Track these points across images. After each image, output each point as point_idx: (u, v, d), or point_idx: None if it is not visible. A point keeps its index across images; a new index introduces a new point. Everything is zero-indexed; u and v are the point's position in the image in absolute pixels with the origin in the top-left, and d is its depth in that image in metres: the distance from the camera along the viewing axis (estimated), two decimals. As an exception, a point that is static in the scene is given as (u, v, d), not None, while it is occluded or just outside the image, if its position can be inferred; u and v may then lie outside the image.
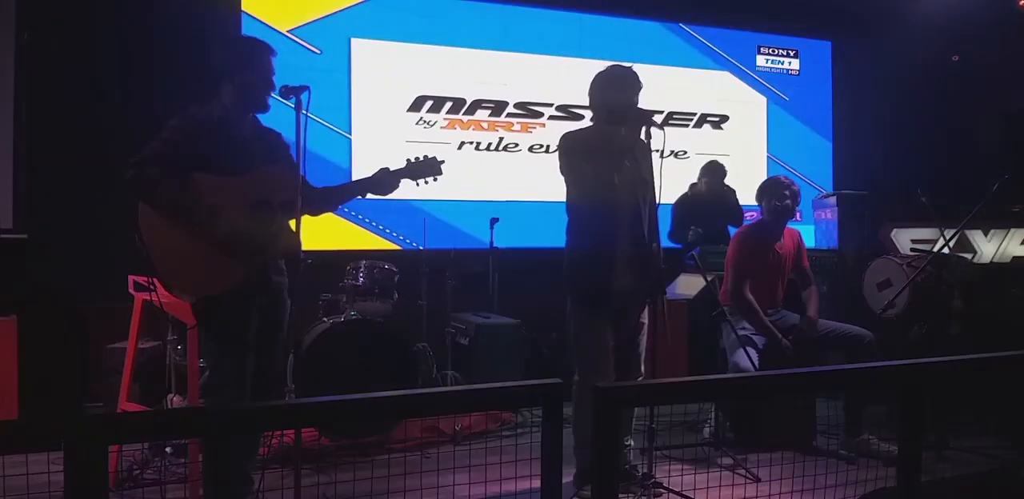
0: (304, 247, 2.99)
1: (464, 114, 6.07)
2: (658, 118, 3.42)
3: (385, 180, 3.18)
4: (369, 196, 3.26)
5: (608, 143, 3.45)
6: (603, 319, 3.48)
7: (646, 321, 3.57)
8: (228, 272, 2.91)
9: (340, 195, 3.24)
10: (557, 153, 3.57)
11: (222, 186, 2.93)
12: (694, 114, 6.82)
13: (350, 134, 5.77)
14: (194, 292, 2.94)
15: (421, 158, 3.23)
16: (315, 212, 3.25)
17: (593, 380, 3.36)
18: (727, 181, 6.00)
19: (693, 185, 6.07)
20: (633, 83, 3.50)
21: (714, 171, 5.93)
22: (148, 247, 2.86)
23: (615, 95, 3.46)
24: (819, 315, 4.28)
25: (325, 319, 4.53)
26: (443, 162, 3.26)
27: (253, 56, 3.02)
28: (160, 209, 2.86)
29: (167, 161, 2.85)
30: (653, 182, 3.40)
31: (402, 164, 3.24)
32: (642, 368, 3.58)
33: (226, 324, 2.98)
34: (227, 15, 5.36)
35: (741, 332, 4.10)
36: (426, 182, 3.25)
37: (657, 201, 3.41)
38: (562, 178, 3.56)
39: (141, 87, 5.13)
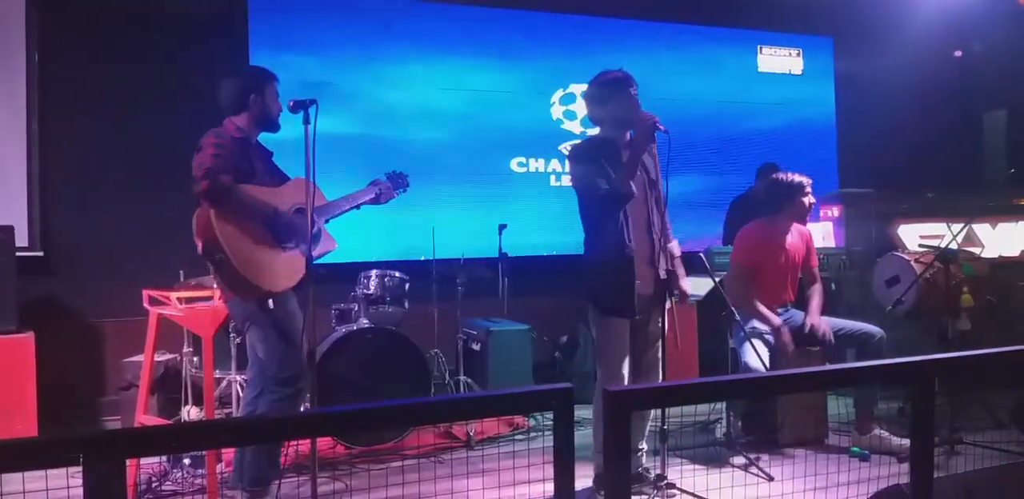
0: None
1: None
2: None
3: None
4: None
5: (616, 150, 3.47)
6: (624, 325, 3.48)
7: (664, 325, 3.58)
8: (297, 267, 3.22)
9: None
10: (568, 165, 3.57)
11: (272, 194, 3.26)
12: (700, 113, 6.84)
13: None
14: (272, 288, 3.17)
15: (388, 176, 3.67)
16: None
17: (615, 385, 3.37)
18: None
19: (751, 188, 6.10)
20: (627, 85, 3.47)
21: (771, 173, 5.92)
22: (228, 253, 3.06)
23: (613, 101, 3.47)
24: (826, 313, 4.28)
25: (338, 328, 4.57)
26: (407, 175, 3.68)
27: (263, 85, 3.35)
28: (233, 213, 3.11)
29: (225, 171, 3.12)
30: (660, 182, 3.44)
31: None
32: (660, 375, 3.57)
33: (291, 318, 3.26)
34: (235, 34, 5.41)
35: (752, 329, 4.11)
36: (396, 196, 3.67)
37: (663, 203, 3.44)
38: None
39: (152, 107, 5.19)
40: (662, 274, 3.47)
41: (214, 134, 3.19)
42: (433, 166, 5.85)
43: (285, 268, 3.20)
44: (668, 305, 3.48)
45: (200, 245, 3.10)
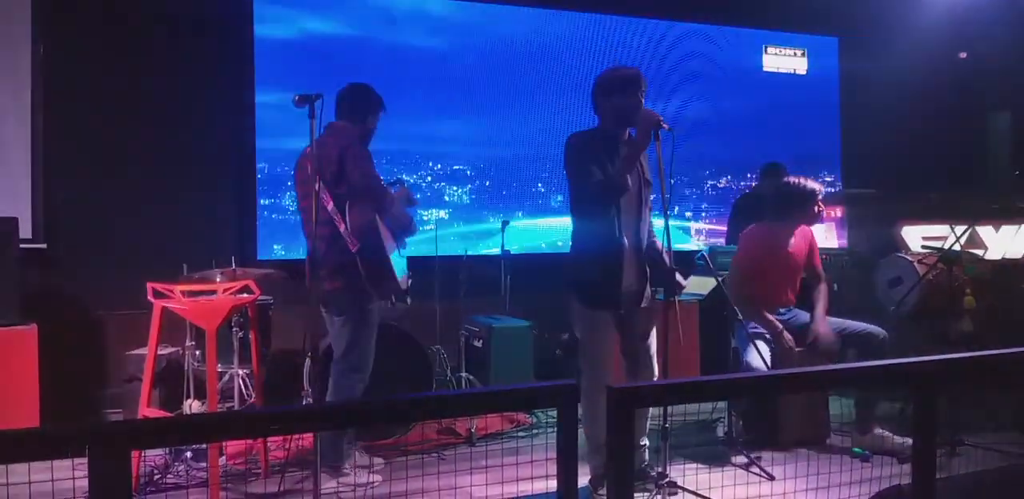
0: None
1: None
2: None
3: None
4: None
5: (615, 145, 3.47)
6: (608, 319, 3.49)
7: (654, 322, 3.58)
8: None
9: None
10: (564, 153, 3.55)
11: None
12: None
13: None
14: (402, 286, 3.82)
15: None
16: None
17: (601, 381, 3.38)
18: None
19: (756, 187, 6.10)
20: (637, 84, 3.46)
21: (774, 173, 5.94)
22: (387, 252, 3.59)
23: (619, 97, 3.46)
24: (829, 314, 4.28)
25: (340, 323, 4.57)
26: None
27: (380, 113, 3.77)
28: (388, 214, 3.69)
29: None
30: (658, 183, 3.42)
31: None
32: (655, 370, 3.59)
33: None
34: (241, 29, 5.42)
35: (753, 331, 4.11)
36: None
37: (666, 203, 3.43)
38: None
39: (157, 100, 5.19)
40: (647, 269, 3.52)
41: (361, 143, 3.57)
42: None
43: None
44: (669, 303, 3.47)
45: (358, 243, 3.47)
